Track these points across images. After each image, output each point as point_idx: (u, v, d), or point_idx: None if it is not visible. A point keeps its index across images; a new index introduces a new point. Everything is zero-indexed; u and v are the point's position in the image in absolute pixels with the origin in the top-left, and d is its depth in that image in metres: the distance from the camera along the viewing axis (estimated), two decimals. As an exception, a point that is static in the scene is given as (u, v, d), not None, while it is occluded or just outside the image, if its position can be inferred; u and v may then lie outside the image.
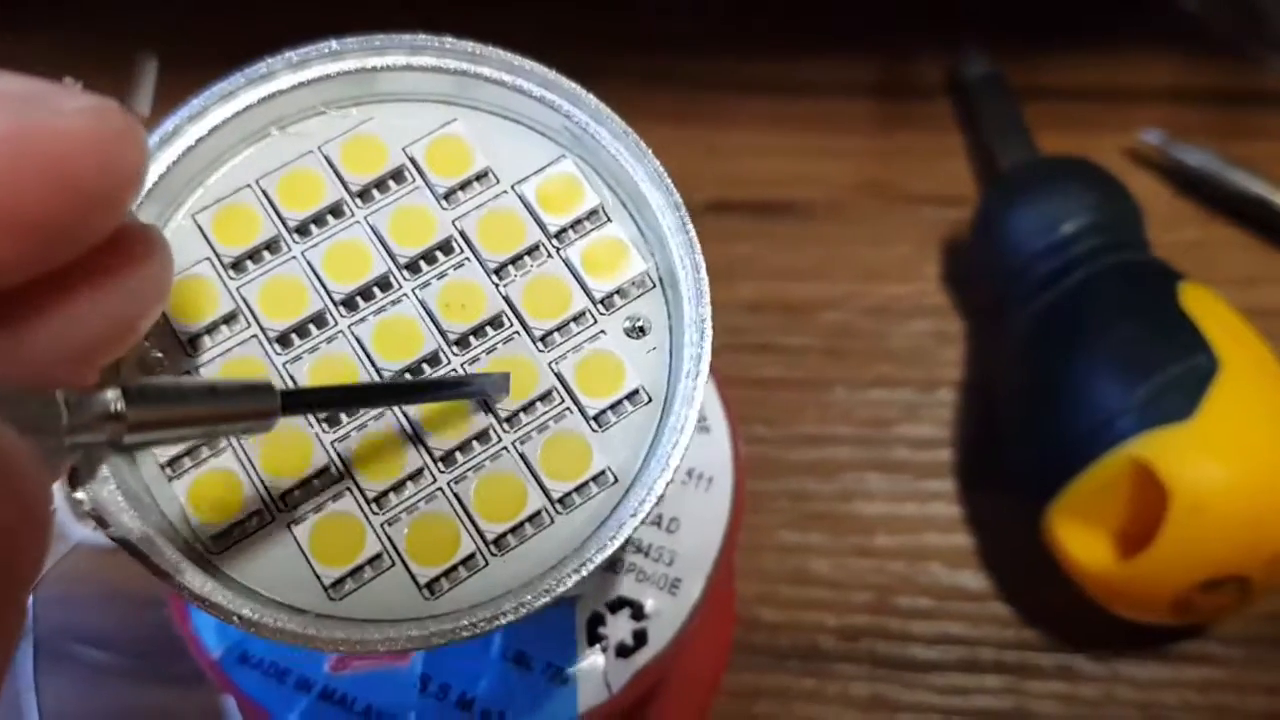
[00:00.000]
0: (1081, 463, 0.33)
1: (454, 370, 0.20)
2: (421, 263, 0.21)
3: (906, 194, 0.44)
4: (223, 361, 0.20)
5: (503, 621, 0.18)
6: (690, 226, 0.20)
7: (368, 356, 0.20)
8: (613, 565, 0.28)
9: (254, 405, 0.17)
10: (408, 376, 0.20)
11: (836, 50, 0.46)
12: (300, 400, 0.19)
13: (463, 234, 0.21)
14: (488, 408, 0.20)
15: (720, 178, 0.43)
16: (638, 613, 0.27)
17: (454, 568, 0.19)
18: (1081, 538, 0.34)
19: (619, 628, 0.27)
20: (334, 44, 0.21)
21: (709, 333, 0.20)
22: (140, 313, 0.17)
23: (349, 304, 0.21)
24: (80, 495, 0.18)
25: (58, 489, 0.40)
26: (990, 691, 0.37)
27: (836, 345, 0.42)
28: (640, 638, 0.27)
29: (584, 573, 0.18)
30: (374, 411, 0.20)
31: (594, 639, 0.27)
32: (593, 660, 0.27)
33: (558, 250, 0.21)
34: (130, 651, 0.37)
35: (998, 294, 0.39)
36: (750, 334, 0.42)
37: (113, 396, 0.14)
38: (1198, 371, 0.33)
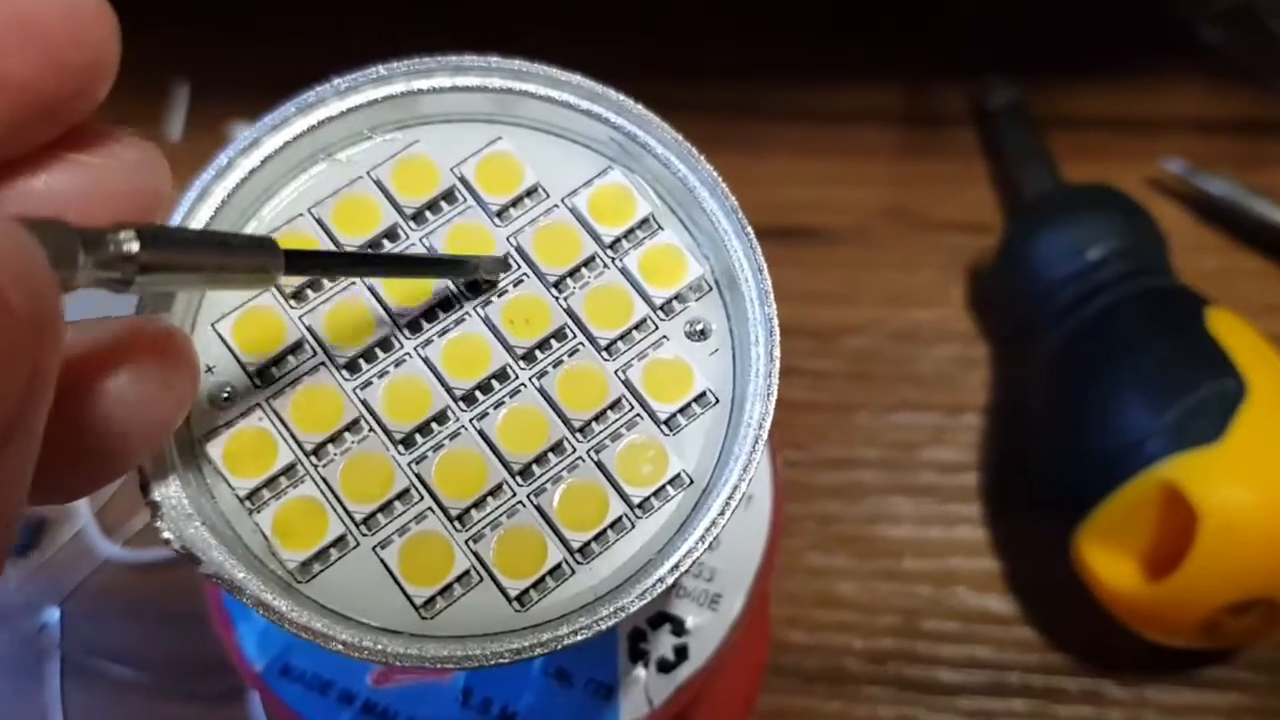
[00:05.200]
0: (1110, 485, 0.34)
1: (523, 385, 0.21)
2: (484, 283, 0.21)
3: (931, 221, 0.45)
4: (291, 392, 0.20)
5: (602, 627, 0.18)
6: (749, 230, 0.21)
7: (438, 377, 0.20)
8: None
9: (259, 259, 0.17)
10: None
11: (863, 79, 0.47)
12: (303, 259, 0.19)
13: (519, 250, 0.21)
14: (564, 420, 0.20)
15: (748, 204, 0.43)
16: (679, 628, 0.28)
17: (542, 579, 0.19)
18: (1109, 560, 0.34)
19: (660, 643, 0.28)
20: (381, 69, 0.22)
21: (777, 330, 0.20)
22: (142, 191, 0.17)
23: (414, 326, 0.21)
24: (168, 535, 0.18)
25: (84, 504, 0.40)
26: (1017, 715, 0.37)
27: (863, 369, 0.42)
28: (681, 653, 0.27)
29: (677, 575, 0.19)
30: (449, 431, 0.20)
31: (635, 654, 0.27)
32: (634, 675, 0.27)
33: (614, 260, 0.22)
34: (156, 668, 0.37)
35: (1023, 319, 0.40)
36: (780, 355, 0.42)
37: (127, 236, 0.14)
38: (1226, 394, 0.33)
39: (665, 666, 0.27)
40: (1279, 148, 0.46)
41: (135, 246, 0.14)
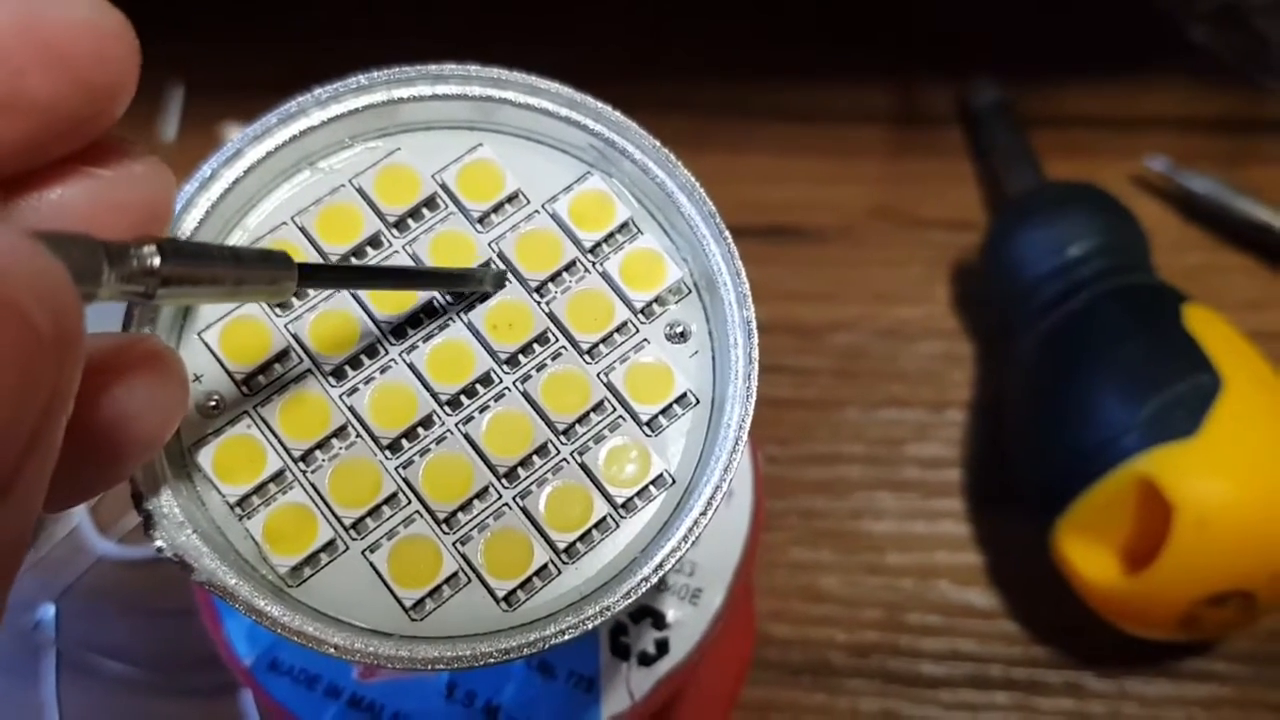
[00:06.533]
0: (1088, 479, 0.34)
1: (507, 389, 0.21)
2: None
3: (917, 219, 0.45)
4: (280, 400, 0.20)
5: (588, 627, 0.19)
6: (727, 235, 0.21)
7: (423, 382, 0.21)
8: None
9: (273, 272, 0.18)
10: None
11: (849, 78, 0.47)
12: (316, 273, 0.20)
13: (501, 255, 0.22)
14: (547, 423, 0.21)
15: (734, 203, 0.43)
16: (659, 622, 0.28)
17: (529, 579, 0.20)
18: (1088, 554, 0.35)
19: (641, 637, 0.28)
20: (361, 78, 0.22)
21: (755, 333, 0.20)
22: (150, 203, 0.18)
23: (399, 333, 0.21)
24: (160, 543, 0.19)
25: (82, 509, 0.40)
26: (999, 708, 0.37)
27: (848, 366, 0.43)
28: (662, 647, 0.28)
29: (661, 574, 0.19)
30: (435, 435, 0.21)
31: (617, 648, 0.28)
32: (616, 668, 0.28)
33: (595, 265, 0.22)
34: (151, 664, 0.37)
35: (1006, 316, 0.40)
36: (763, 355, 0.42)
37: (150, 251, 0.15)
38: (1201, 389, 0.33)
39: (646, 660, 0.28)
40: (1261, 145, 0.46)
41: (158, 261, 0.15)
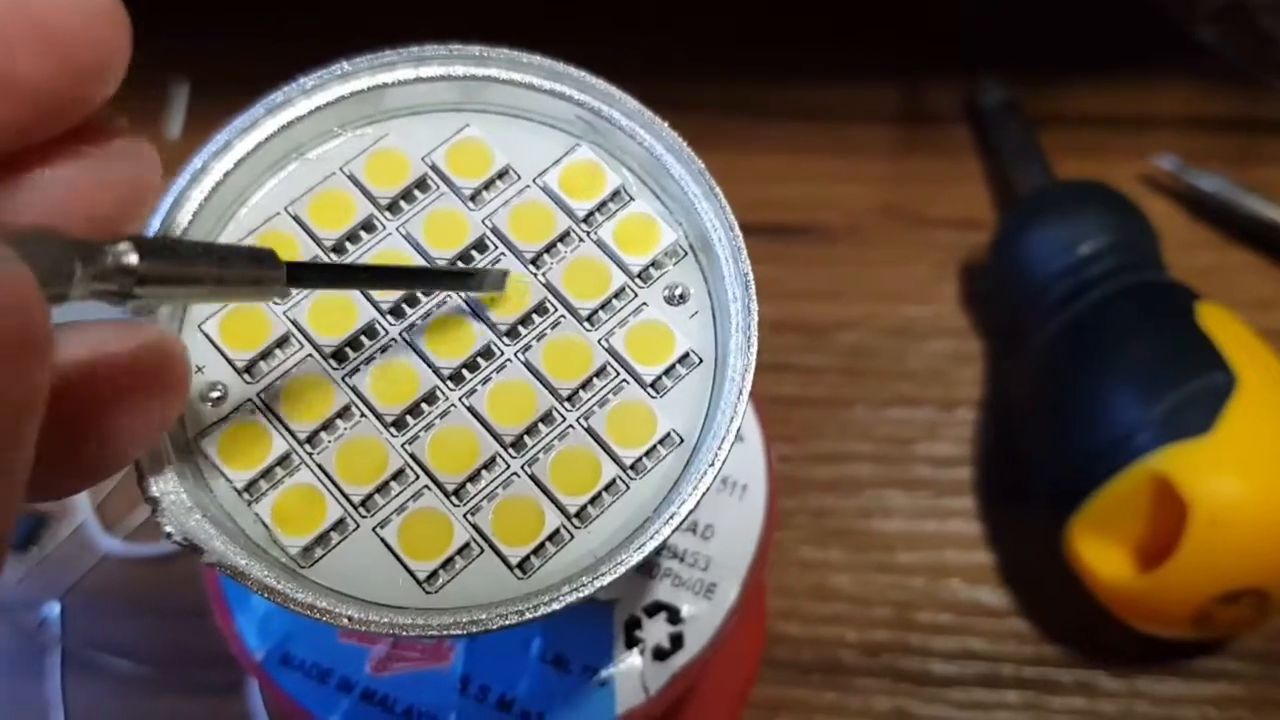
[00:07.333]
0: (1101, 477, 0.34)
1: (508, 360, 0.21)
2: (459, 263, 0.22)
3: (925, 218, 0.45)
4: (281, 385, 0.21)
5: (602, 583, 0.18)
6: (719, 191, 0.21)
7: (424, 359, 0.21)
8: (649, 569, 0.28)
9: (260, 272, 0.17)
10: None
11: (857, 77, 0.47)
12: (305, 273, 0.19)
13: (495, 230, 0.22)
14: (550, 390, 0.21)
15: (742, 201, 0.43)
16: (674, 617, 0.28)
17: (541, 545, 0.20)
18: (1101, 552, 0.35)
19: (656, 631, 0.28)
20: (345, 65, 0.22)
21: (752, 285, 0.20)
22: (134, 190, 0.17)
23: (396, 312, 0.21)
24: (169, 529, 0.18)
25: (83, 499, 0.40)
26: (1010, 707, 0.37)
27: (856, 365, 0.42)
28: (677, 641, 0.28)
29: (671, 528, 0.19)
30: (439, 410, 0.21)
31: (631, 642, 0.28)
32: (630, 663, 0.27)
33: (588, 233, 0.22)
34: (157, 661, 0.37)
35: (1016, 314, 0.40)
36: (771, 354, 0.42)
37: (125, 249, 0.14)
38: (1215, 387, 0.33)
39: (661, 654, 0.27)
40: (1270, 144, 0.46)
41: (134, 259, 0.15)
